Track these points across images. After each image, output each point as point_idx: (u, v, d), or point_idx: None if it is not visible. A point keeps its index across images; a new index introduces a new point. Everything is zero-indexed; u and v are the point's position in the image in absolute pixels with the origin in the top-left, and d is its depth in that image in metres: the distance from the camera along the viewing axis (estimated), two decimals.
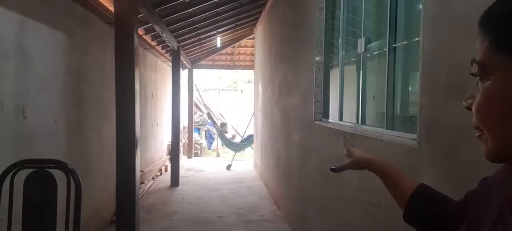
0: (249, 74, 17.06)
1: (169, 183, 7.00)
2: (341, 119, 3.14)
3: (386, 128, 2.24)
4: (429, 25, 1.65)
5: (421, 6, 1.77)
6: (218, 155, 12.12)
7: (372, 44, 2.68)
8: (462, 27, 1.43)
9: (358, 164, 1.01)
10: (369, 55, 2.71)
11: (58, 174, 2.06)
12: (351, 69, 3.13)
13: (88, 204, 3.73)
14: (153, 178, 7.29)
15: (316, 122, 3.50)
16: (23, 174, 2.02)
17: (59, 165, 2.07)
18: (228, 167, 8.91)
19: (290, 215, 4.73)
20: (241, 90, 17.81)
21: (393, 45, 2.24)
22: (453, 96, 1.48)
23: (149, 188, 6.58)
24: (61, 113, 3.34)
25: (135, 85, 3.30)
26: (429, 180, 1.62)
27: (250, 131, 10.50)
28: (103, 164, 4.35)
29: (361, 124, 2.70)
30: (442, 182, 1.53)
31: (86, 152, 3.92)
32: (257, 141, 8.80)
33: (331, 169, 1.03)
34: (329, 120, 3.37)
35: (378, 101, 2.60)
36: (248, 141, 10.45)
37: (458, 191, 1.43)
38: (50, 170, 2.06)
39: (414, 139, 1.79)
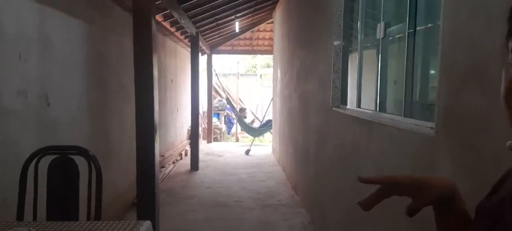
0: (268, 59, 16.97)
1: (189, 167, 7.12)
2: (359, 105, 3.09)
3: (404, 116, 2.20)
4: (449, 10, 1.60)
5: None
6: (237, 140, 12.21)
7: (392, 28, 2.61)
8: (484, 12, 1.38)
9: (446, 194, 0.67)
10: (389, 39, 2.64)
11: (80, 160, 2.14)
12: (370, 54, 3.07)
13: (110, 188, 3.85)
14: (173, 162, 7.44)
15: (334, 108, 3.47)
16: (47, 160, 2.10)
17: (81, 151, 2.14)
18: (247, 152, 8.98)
19: (307, 200, 4.74)
20: (260, 75, 17.74)
21: (412, 29, 2.17)
22: (472, 84, 1.44)
23: (169, 172, 6.72)
24: (83, 99, 3.43)
25: (154, 71, 3.34)
26: (446, 170, 1.59)
27: (269, 116, 10.50)
28: (125, 149, 4.46)
29: (379, 111, 2.65)
30: (459, 172, 1.50)
31: (108, 137, 4.03)
32: (275, 126, 8.81)
33: (409, 213, 0.64)
34: (347, 107, 3.33)
35: (397, 87, 2.55)
36: (267, 126, 10.47)
37: (475, 182, 1.39)
38: (72, 156, 2.13)
39: (431, 127, 1.75)
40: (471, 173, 1.41)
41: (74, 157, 2.14)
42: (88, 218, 2.12)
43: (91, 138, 3.55)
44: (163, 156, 6.54)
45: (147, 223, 1.85)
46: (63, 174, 2.10)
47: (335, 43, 3.48)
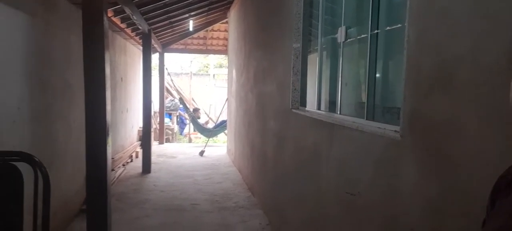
0: (220, 58, 16.83)
1: (140, 170, 6.83)
2: (319, 107, 3.12)
3: (366, 119, 2.23)
4: (416, 14, 1.63)
5: None
6: (190, 141, 11.97)
7: (352, 29, 2.65)
8: (451, 17, 1.42)
9: None
10: (349, 41, 2.68)
11: (23, 166, 1.92)
12: (330, 57, 3.11)
13: (56, 195, 3.53)
14: (123, 165, 7.09)
15: (293, 110, 3.48)
16: None
17: (25, 157, 1.93)
18: (201, 153, 8.81)
19: (265, 202, 4.73)
20: (213, 75, 17.55)
21: (375, 31, 2.21)
22: (439, 88, 1.48)
23: (119, 175, 6.39)
24: (25, 99, 3.13)
25: (105, 70, 3.14)
26: (412, 174, 1.62)
27: (224, 117, 10.40)
28: (71, 153, 4.16)
29: (340, 113, 2.68)
30: (425, 176, 1.54)
31: (52, 140, 3.72)
32: (230, 127, 8.73)
33: None
34: (307, 108, 3.35)
35: (358, 90, 2.59)
36: (221, 126, 10.36)
37: (441, 186, 1.43)
38: (15, 163, 1.91)
39: (396, 131, 1.79)
40: (437, 176, 1.45)
41: (17, 164, 1.92)
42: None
43: (34, 141, 3.25)
44: (113, 158, 6.21)
45: None
46: (4, 183, 1.88)
47: (294, 45, 3.49)
